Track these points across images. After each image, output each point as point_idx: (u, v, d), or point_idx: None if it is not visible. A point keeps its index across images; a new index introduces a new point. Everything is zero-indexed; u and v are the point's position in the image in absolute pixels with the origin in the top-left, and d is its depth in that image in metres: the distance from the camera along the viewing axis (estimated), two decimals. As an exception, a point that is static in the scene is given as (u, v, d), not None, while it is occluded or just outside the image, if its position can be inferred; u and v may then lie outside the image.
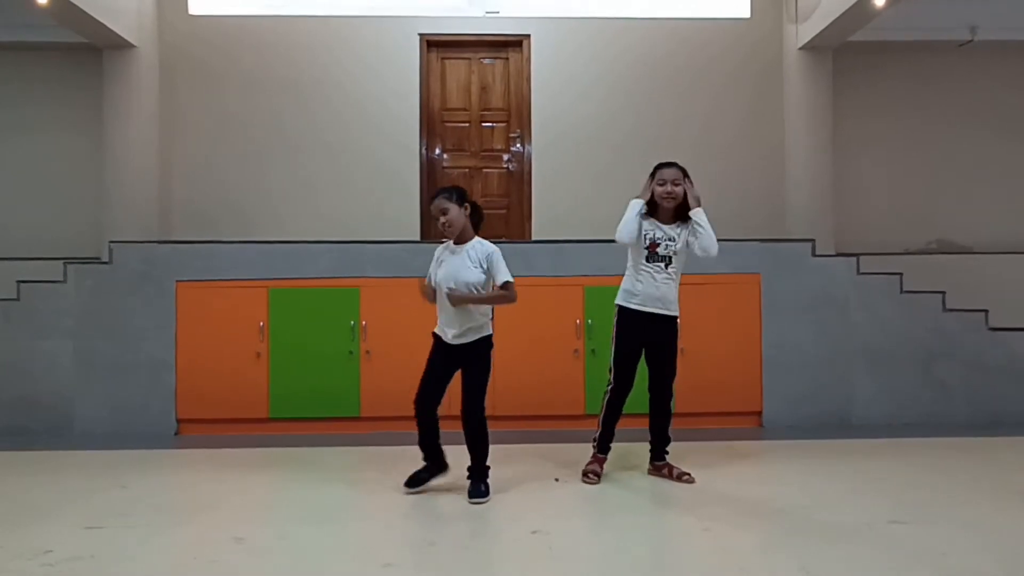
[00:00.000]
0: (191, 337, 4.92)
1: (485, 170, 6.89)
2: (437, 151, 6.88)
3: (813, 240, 5.24)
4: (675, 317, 3.74)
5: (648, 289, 3.65)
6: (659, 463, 3.82)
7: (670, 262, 3.65)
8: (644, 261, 3.65)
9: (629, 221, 3.65)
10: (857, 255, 5.24)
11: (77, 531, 2.98)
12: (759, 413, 5.05)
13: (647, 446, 3.89)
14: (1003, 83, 7.05)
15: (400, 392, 4.81)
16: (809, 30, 6.26)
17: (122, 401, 4.89)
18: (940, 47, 6.83)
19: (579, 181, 6.69)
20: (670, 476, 3.75)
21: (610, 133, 6.75)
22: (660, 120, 6.76)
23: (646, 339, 3.72)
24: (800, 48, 6.46)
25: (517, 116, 6.87)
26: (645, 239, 3.65)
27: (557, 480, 3.72)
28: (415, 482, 3.52)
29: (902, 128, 6.98)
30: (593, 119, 6.75)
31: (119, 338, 4.91)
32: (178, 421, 4.93)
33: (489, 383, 3.49)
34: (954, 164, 6.98)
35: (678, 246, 3.65)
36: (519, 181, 6.85)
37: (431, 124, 6.84)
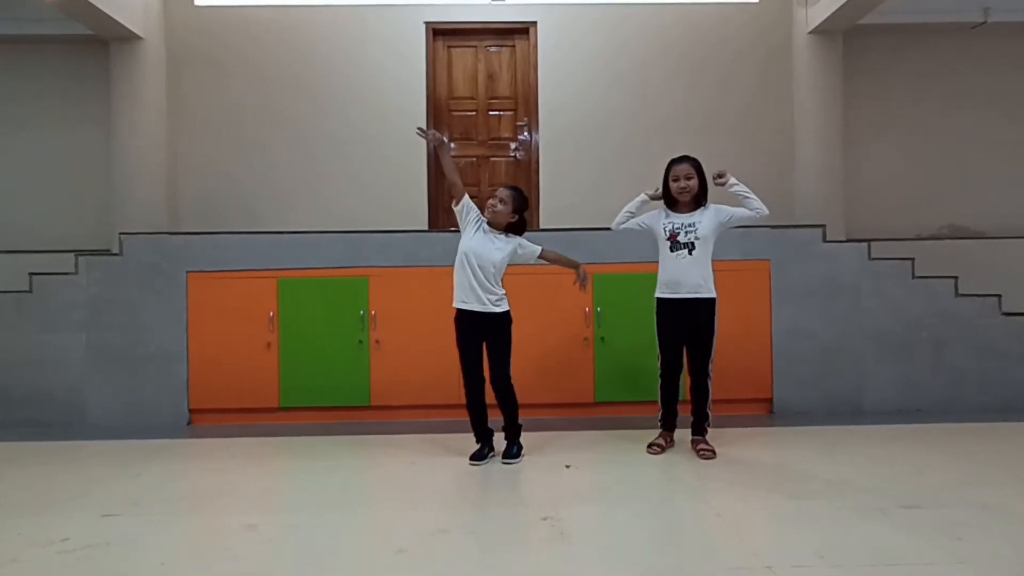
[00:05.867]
0: (202, 328, 4.94)
1: (492, 159, 6.87)
2: (444, 140, 6.84)
3: (823, 226, 5.20)
4: (709, 299, 3.88)
5: (675, 276, 3.85)
6: (695, 438, 3.96)
7: (693, 247, 3.81)
8: (668, 251, 3.85)
9: (625, 211, 3.97)
10: (868, 241, 5.20)
11: (93, 519, 3.00)
12: (769, 400, 5.03)
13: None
14: (1016, 66, 6.96)
15: (410, 381, 4.87)
16: (819, 13, 6.19)
17: (134, 392, 4.92)
18: (952, 30, 6.74)
19: (587, 169, 6.67)
20: (694, 449, 3.91)
21: (618, 120, 6.71)
22: (668, 106, 6.72)
23: (682, 322, 3.88)
24: (810, 32, 6.40)
25: (524, 104, 6.83)
26: (665, 231, 3.87)
27: (568, 467, 3.72)
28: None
29: (913, 112, 6.91)
30: (601, 106, 6.71)
31: (130, 329, 4.93)
32: (190, 411, 4.96)
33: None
34: (966, 148, 6.91)
35: (699, 231, 3.82)
36: (527, 170, 6.82)
37: (438, 113, 6.83)
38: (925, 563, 2.45)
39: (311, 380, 4.94)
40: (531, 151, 6.81)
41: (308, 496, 3.41)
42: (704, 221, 3.82)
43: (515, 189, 3.88)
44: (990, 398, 5.03)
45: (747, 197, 3.83)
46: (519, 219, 3.84)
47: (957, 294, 5.08)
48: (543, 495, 3.26)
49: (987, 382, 5.05)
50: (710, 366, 3.90)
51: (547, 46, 6.72)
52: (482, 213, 3.83)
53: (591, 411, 4.91)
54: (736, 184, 3.86)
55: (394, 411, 4.89)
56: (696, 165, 3.86)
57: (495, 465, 3.78)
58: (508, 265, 3.83)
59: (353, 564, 2.55)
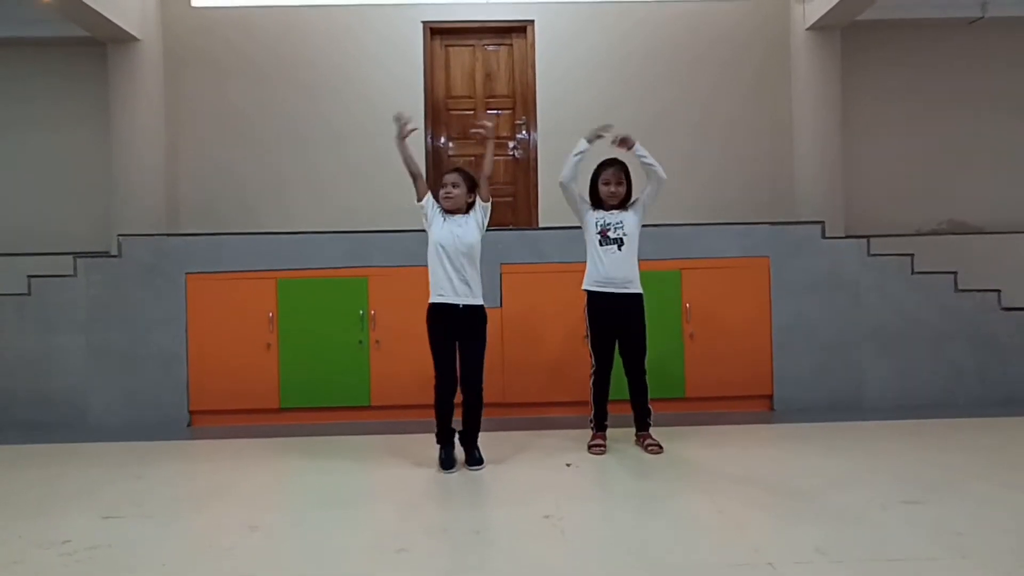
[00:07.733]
0: (201, 329, 4.94)
1: (491, 157, 6.85)
2: (442, 139, 6.85)
3: (823, 222, 5.20)
4: (638, 295, 3.95)
5: (606, 271, 3.91)
6: (641, 433, 4.02)
7: (622, 243, 3.90)
8: (598, 246, 3.92)
9: (572, 164, 4.00)
10: (867, 236, 5.20)
11: (94, 521, 3.01)
12: (770, 396, 5.03)
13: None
14: (1014, 61, 6.96)
15: (410, 381, 4.87)
16: (816, 10, 6.18)
17: (135, 393, 4.92)
18: (950, 25, 6.74)
19: (585, 166, 6.64)
20: (640, 445, 3.97)
21: (615, 117, 6.57)
22: (665, 103, 6.71)
23: (615, 318, 3.93)
24: (807, 28, 6.39)
25: (522, 103, 6.83)
26: (596, 226, 3.93)
27: (568, 465, 3.72)
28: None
29: (912, 108, 6.91)
30: (598, 103, 6.70)
31: (130, 331, 4.93)
32: (190, 412, 4.96)
33: (485, 359, 3.77)
34: (965, 143, 6.91)
35: (627, 228, 3.91)
36: (525, 168, 6.82)
37: (436, 112, 6.82)
38: (926, 558, 2.45)
39: (311, 380, 4.94)
40: (529, 149, 6.81)
41: (309, 496, 3.42)
42: (630, 217, 3.93)
43: (459, 171, 3.87)
44: (989, 393, 5.03)
45: (651, 165, 3.89)
46: (474, 197, 3.83)
47: (957, 289, 5.08)
48: (544, 493, 3.26)
49: (987, 377, 5.05)
50: (646, 362, 3.96)
51: (544, 44, 6.72)
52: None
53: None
54: (641, 151, 3.89)
55: (394, 411, 4.89)
56: (625, 170, 3.97)
57: (493, 466, 3.74)
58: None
59: (355, 563, 2.55)
